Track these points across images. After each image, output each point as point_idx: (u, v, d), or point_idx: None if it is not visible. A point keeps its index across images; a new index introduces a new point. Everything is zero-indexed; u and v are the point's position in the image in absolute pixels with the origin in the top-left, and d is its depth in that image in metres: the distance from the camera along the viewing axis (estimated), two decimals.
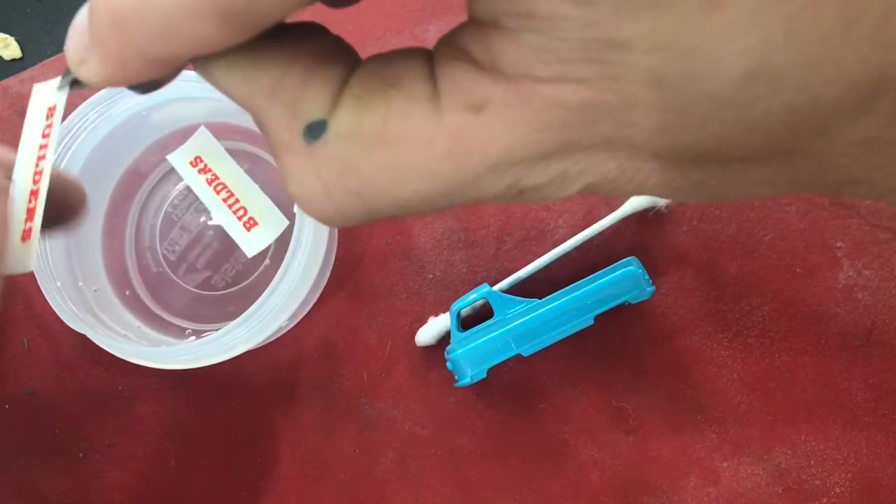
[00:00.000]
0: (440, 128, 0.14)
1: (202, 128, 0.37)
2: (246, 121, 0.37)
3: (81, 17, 0.16)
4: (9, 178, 0.21)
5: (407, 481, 0.36)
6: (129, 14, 0.14)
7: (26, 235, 0.22)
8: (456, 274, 0.37)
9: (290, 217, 0.36)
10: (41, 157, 0.22)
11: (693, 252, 0.35)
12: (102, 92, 0.35)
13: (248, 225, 0.36)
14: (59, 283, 0.34)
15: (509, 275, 0.35)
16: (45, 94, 0.22)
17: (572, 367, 0.36)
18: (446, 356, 0.35)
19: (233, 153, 0.37)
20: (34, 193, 0.22)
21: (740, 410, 0.34)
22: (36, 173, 0.22)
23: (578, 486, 0.35)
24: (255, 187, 0.37)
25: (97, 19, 0.15)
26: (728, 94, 0.12)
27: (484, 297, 0.34)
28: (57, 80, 0.22)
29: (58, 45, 0.43)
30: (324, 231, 0.33)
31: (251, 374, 0.37)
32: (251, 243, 0.36)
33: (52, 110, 0.22)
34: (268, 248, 0.37)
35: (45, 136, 0.22)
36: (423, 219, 0.37)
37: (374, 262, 0.37)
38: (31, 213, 0.22)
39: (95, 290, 0.37)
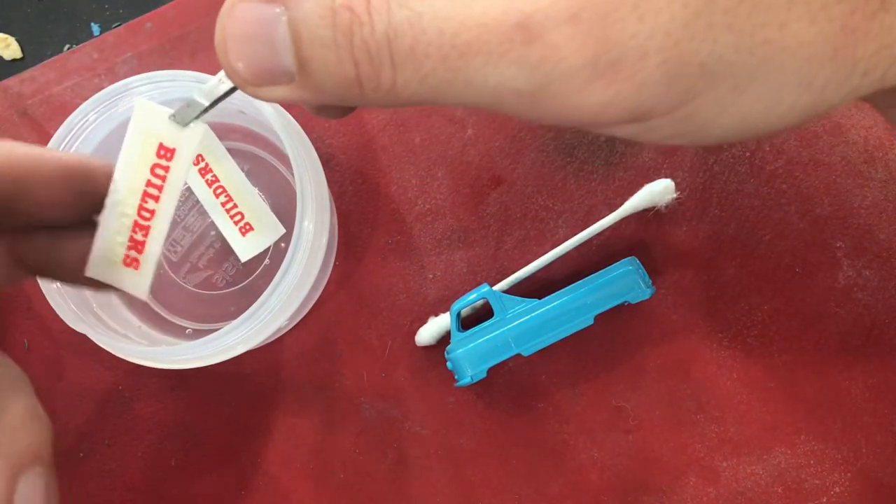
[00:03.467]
0: None
1: (205, 127, 0.37)
2: (247, 121, 0.37)
3: (264, 32, 0.17)
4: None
5: (407, 481, 0.36)
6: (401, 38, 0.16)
7: (130, 262, 0.22)
8: (456, 274, 0.37)
9: (287, 224, 0.36)
10: (151, 196, 0.22)
11: (693, 252, 0.35)
12: (103, 91, 0.35)
13: (243, 230, 0.36)
14: (58, 283, 0.34)
15: (509, 275, 0.35)
16: (156, 124, 0.22)
17: (572, 366, 0.36)
18: (446, 356, 0.35)
19: (233, 153, 0.37)
20: (141, 227, 0.22)
21: (740, 410, 0.35)
22: (144, 209, 0.22)
23: (578, 485, 0.35)
24: (254, 192, 0.37)
25: (325, 42, 0.16)
26: None
27: (484, 297, 0.34)
28: (165, 110, 0.21)
29: (58, 46, 0.43)
30: (324, 231, 0.33)
31: (251, 374, 0.37)
32: (245, 248, 0.36)
33: (167, 150, 0.22)
34: (268, 248, 0.37)
35: (156, 174, 0.22)
36: (424, 218, 0.37)
37: (374, 262, 0.37)
38: (137, 243, 0.22)
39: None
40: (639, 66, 0.15)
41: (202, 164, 0.37)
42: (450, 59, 0.16)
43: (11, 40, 0.43)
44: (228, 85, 0.21)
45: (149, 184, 0.22)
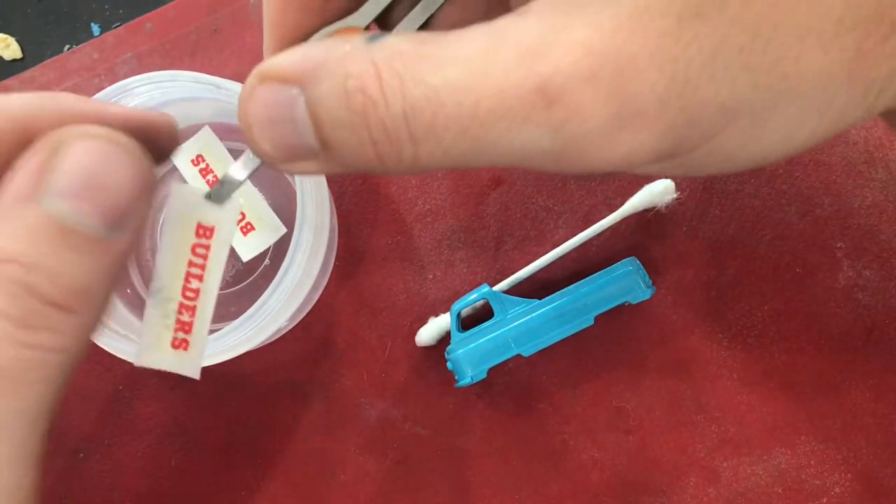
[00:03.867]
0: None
1: (206, 127, 0.37)
2: None
3: (285, 114, 0.18)
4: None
5: (407, 481, 0.36)
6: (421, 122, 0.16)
7: (178, 344, 0.22)
8: (456, 274, 0.37)
9: (288, 224, 0.36)
10: (194, 276, 0.22)
11: (693, 252, 0.35)
12: (103, 92, 0.35)
13: (244, 229, 0.36)
14: None
15: (509, 275, 0.35)
16: (193, 206, 0.22)
17: (572, 367, 0.36)
18: (446, 356, 0.35)
19: (233, 153, 0.37)
20: (187, 308, 0.22)
21: (740, 410, 0.34)
22: (188, 290, 0.22)
23: (578, 485, 0.35)
24: (255, 191, 0.37)
25: (351, 125, 0.17)
26: None
27: (484, 298, 0.34)
28: (201, 191, 0.22)
29: (58, 46, 0.43)
30: (324, 231, 0.33)
31: (251, 374, 0.37)
32: (247, 247, 0.36)
33: (206, 229, 0.22)
34: (268, 249, 0.37)
35: (197, 254, 0.22)
36: (424, 219, 0.37)
37: (374, 262, 0.37)
38: (184, 324, 0.22)
39: None
40: (661, 114, 0.15)
41: (203, 165, 0.37)
42: (471, 130, 0.16)
43: (11, 41, 0.43)
44: (258, 161, 0.21)
45: (190, 264, 0.22)
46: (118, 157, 0.18)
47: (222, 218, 0.22)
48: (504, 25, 0.16)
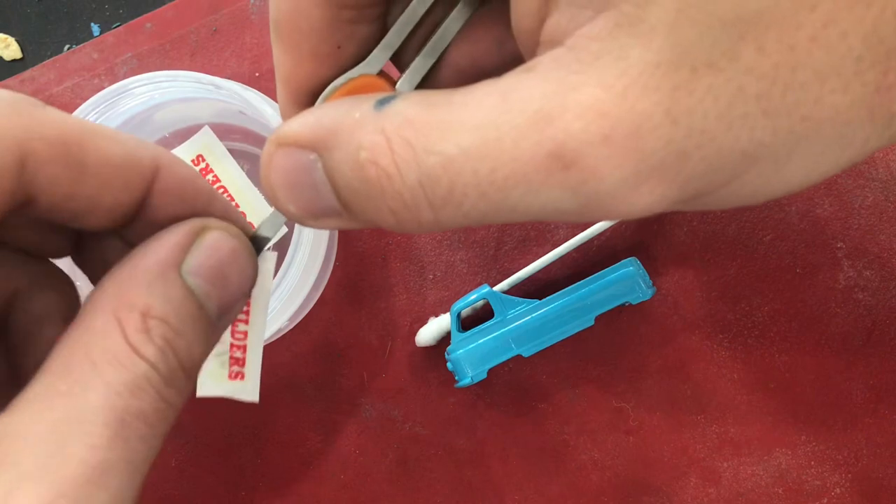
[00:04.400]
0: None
1: (206, 127, 0.37)
2: (247, 122, 0.37)
3: (306, 178, 0.18)
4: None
5: (407, 482, 0.36)
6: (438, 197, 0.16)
7: (235, 376, 0.24)
8: (456, 274, 0.37)
9: (288, 224, 0.36)
10: (240, 320, 0.23)
11: (693, 252, 0.35)
12: (103, 92, 0.35)
13: None
14: None
15: (509, 275, 0.35)
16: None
17: (573, 367, 0.36)
18: (446, 356, 0.35)
19: (233, 153, 0.37)
20: (238, 347, 0.24)
21: (740, 411, 0.34)
22: (237, 333, 0.23)
23: (579, 486, 0.35)
24: (255, 191, 0.37)
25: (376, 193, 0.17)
26: None
27: (484, 298, 0.34)
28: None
29: (58, 46, 0.43)
30: (324, 233, 0.33)
31: None
32: None
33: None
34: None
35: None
36: None
37: (374, 262, 0.37)
38: (237, 360, 0.24)
39: None
40: (680, 167, 0.15)
41: (203, 165, 0.37)
42: (489, 195, 0.16)
43: (11, 41, 0.43)
44: (284, 219, 0.22)
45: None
46: (244, 256, 0.20)
47: (261, 268, 0.23)
48: (512, 85, 0.16)
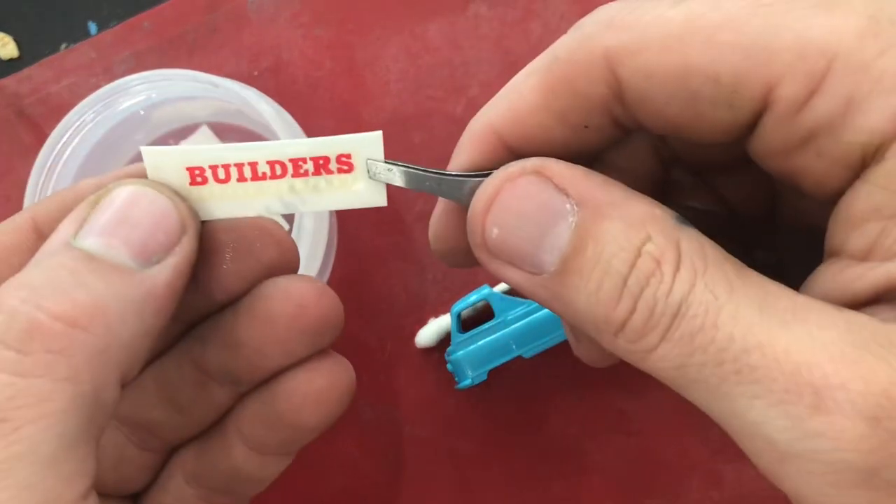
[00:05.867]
0: None
1: (204, 126, 0.37)
2: (245, 121, 0.37)
3: (542, 219, 0.17)
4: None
5: (407, 483, 0.36)
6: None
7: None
8: (456, 274, 0.36)
9: (291, 221, 0.36)
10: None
11: None
12: (100, 90, 0.34)
13: None
14: None
15: None
16: None
17: (574, 369, 0.35)
18: (447, 358, 0.34)
19: None
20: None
21: None
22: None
23: (580, 489, 0.35)
24: None
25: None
26: None
27: (485, 299, 0.34)
28: None
29: (55, 45, 0.42)
30: (323, 232, 0.33)
31: None
32: None
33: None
34: None
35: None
36: (424, 219, 0.37)
37: (374, 263, 0.37)
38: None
39: None
40: None
41: None
42: (723, 367, 0.14)
43: (9, 39, 0.43)
44: (453, 198, 0.21)
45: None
46: (150, 198, 0.19)
47: (360, 186, 0.23)
48: (870, 338, 0.14)
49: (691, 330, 0.15)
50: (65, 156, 0.35)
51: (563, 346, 0.34)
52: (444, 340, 0.36)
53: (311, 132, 0.37)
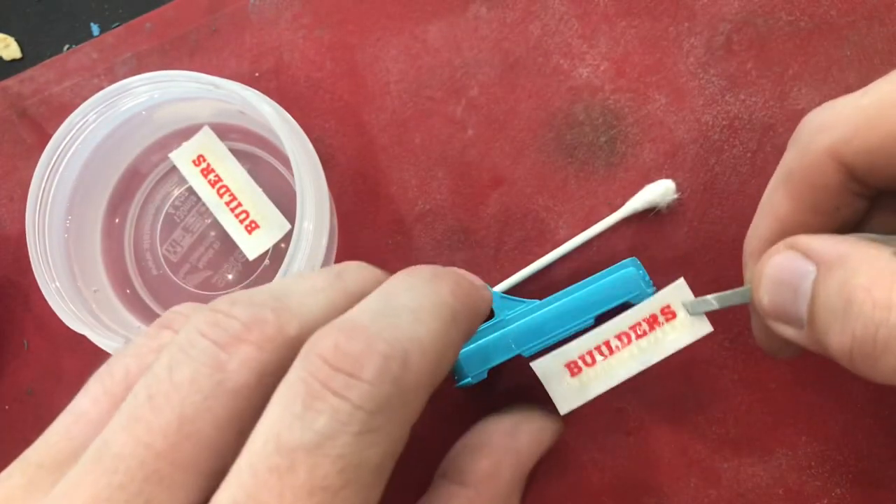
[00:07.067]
0: None
1: (206, 127, 0.37)
2: (247, 121, 0.37)
3: (793, 282, 0.21)
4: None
5: (407, 483, 0.36)
6: None
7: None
8: None
9: (292, 220, 0.36)
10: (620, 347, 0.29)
11: (694, 253, 0.35)
12: (102, 91, 0.35)
13: (249, 228, 0.36)
14: (57, 284, 0.34)
15: (509, 275, 0.35)
16: (676, 299, 0.28)
17: None
18: None
19: (235, 153, 0.37)
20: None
21: (741, 411, 0.34)
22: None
23: (579, 487, 0.35)
24: (258, 189, 0.37)
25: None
26: None
27: None
28: (689, 296, 0.28)
29: (57, 46, 0.43)
30: (324, 232, 0.33)
31: None
32: (252, 246, 0.36)
33: (668, 314, 0.29)
34: (267, 249, 0.37)
35: (637, 333, 0.29)
36: (424, 219, 0.37)
37: (374, 263, 0.37)
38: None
39: (95, 291, 0.37)
40: None
41: (204, 165, 0.37)
42: None
43: (11, 40, 0.43)
44: (746, 301, 0.26)
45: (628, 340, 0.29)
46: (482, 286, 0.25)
47: (688, 325, 0.28)
48: None
49: None
50: (67, 156, 0.35)
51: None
52: None
53: (311, 132, 0.37)
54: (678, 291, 0.28)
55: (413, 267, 0.23)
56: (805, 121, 0.23)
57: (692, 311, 0.28)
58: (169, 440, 0.16)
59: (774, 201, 0.25)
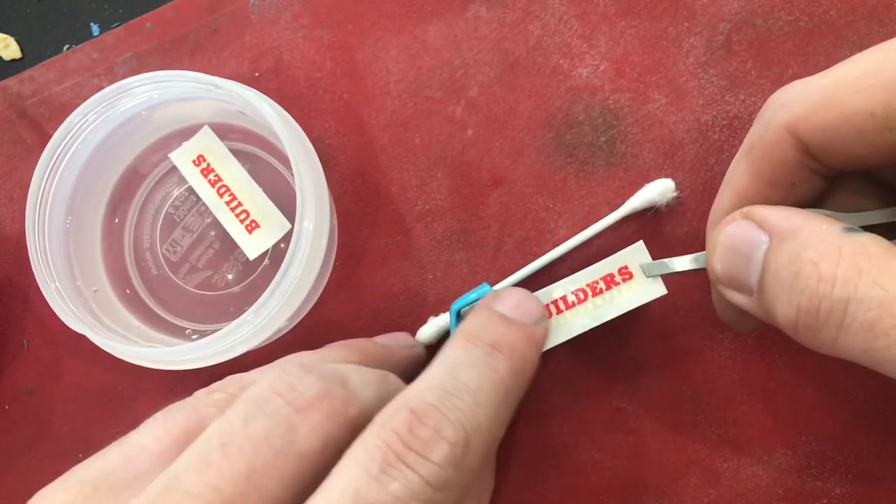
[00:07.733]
0: None
1: (205, 127, 0.37)
2: (246, 121, 0.37)
3: (745, 250, 0.22)
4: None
5: None
6: None
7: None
8: (456, 274, 0.37)
9: (292, 220, 0.36)
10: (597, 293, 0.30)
11: (693, 252, 0.35)
12: (102, 91, 0.35)
13: (249, 227, 0.36)
14: (57, 284, 0.34)
15: (509, 275, 0.35)
16: (634, 257, 0.30)
17: (572, 367, 0.36)
18: None
19: (235, 153, 0.37)
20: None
21: (740, 411, 0.34)
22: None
23: (578, 486, 0.35)
24: (258, 189, 0.37)
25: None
26: None
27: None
28: (646, 258, 0.30)
29: (57, 46, 0.43)
30: (324, 232, 0.33)
31: None
32: (253, 246, 0.36)
33: (624, 275, 0.30)
34: (268, 249, 0.37)
35: (606, 282, 0.30)
36: (424, 219, 0.37)
37: (374, 262, 0.37)
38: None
39: (95, 291, 0.37)
40: None
41: (204, 165, 0.37)
42: None
43: (10, 40, 0.43)
44: (701, 266, 0.27)
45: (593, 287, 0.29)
46: (528, 296, 0.28)
47: (643, 286, 0.29)
48: None
49: (870, 320, 0.18)
50: (67, 156, 0.35)
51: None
52: (444, 338, 0.36)
53: (311, 132, 0.37)
54: (636, 253, 0.29)
55: (475, 322, 0.25)
56: (771, 98, 0.24)
57: (648, 273, 0.29)
58: (238, 488, 0.18)
59: (735, 174, 0.25)
